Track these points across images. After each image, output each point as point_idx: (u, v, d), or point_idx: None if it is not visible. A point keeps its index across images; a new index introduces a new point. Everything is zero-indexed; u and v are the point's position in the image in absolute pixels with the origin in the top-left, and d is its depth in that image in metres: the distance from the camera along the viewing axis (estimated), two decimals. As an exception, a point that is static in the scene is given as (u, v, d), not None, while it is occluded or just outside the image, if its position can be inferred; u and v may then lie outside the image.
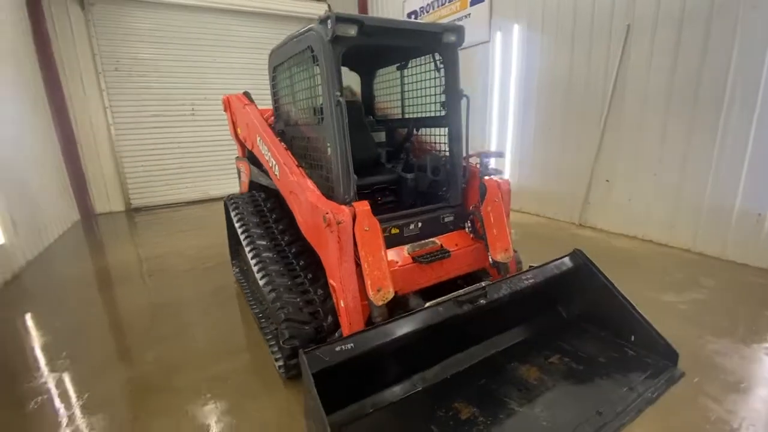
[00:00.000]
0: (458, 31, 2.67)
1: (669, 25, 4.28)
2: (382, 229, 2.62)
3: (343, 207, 2.28)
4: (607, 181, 5.17)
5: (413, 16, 7.94)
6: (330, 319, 2.46)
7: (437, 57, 2.95)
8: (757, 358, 2.58)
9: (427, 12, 7.59)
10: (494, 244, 2.77)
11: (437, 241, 2.80)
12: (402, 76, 3.51)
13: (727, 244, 4.11)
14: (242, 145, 4.13)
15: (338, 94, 2.32)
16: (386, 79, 3.76)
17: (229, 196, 3.75)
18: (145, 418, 2.32)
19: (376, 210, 3.11)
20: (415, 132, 3.51)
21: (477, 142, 7.07)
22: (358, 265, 2.29)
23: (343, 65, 3.83)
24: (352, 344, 1.94)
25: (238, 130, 4.08)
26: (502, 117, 6.55)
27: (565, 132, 5.61)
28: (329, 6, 9.01)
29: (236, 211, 3.47)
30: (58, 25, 6.91)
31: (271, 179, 3.24)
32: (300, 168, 2.76)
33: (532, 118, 6.07)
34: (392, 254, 2.59)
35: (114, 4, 7.27)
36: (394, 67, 3.56)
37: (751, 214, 3.92)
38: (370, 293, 2.22)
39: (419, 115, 3.39)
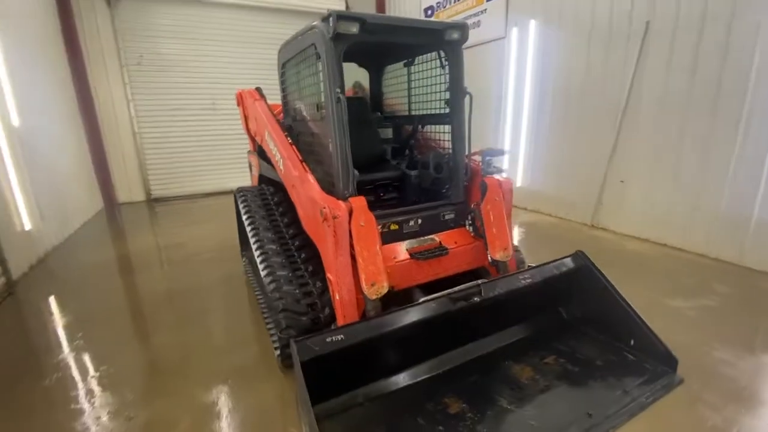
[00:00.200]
0: (462, 28, 2.66)
1: (689, 24, 4.13)
2: (382, 224, 2.67)
3: (339, 202, 2.32)
4: (622, 182, 5.04)
5: (429, 12, 7.89)
6: (327, 311, 2.51)
7: (442, 54, 2.95)
8: (764, 368, 2.50)
9: (443, 7, 7.52)
10: (493, 243, 2.77)
11: (436, 238, 2.81)
12: (409, 73, 3.52)
13: (745, 250, 3.96)
14: (253, 139, 4.23)
15: (338, 90, 2.36)
16: (394, 75, 3.77)
17: (238, 188, 3.86)
18: (150, 398, 2.44)
19: (379, 206, 3.17)
20: (420, 129, 3.52)
21: (490, 140, 7.00)
22: (354, 259, 2.34)
23: (352, 61, 3.94)
24: (342, 335, 1.99)
25: (250, 125, 4.19)
26: (517, 114, 6.46)
27: (580, 131, 5.50)
28: (347, 2, 9.05)
29: (244, 203, 3.57)
30: (86, 21, 7.19)
31: (278, 173, 3.32)
32: (303, 163, 2.82)
33: (547, 116, 5.97)
34: (390, 250, 2.62)
35: (138, 1, 7.50)
36: (401, 64, 3.57)
37: (772, 220, 3.76)
38: (365, 287, 2.27)
39: (424, 112, 3.40)
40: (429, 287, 2.68)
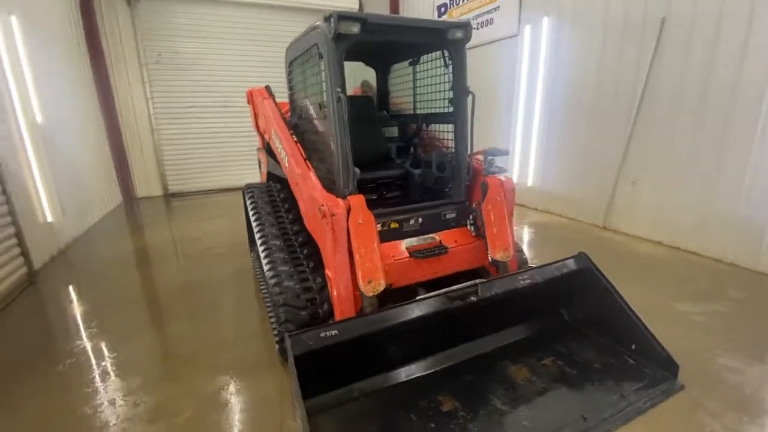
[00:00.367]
0: (465, 27, 2.65)
1: (706, 20, 4.00)
2: (382, 223, 2.70)
3: (338, 200, 2.36)
4: (634, 182, 4.93)
5: (442, 10, 7.84)
6: (326, 306, 2.56)
7: (446, 53, 2.95)
8: (771, 377, 2.43)
9: (456, 5, 7.47)
10: (494, 243, 2.76)
11: (436, 237, 2.82)
12: (414, 72, 3.53)
13: (761, 254, 3.83)
14: (262, 136, 4.31)
15: (339, 90, 2.39)
16: (400, 74, 3.79)
17: (246, 185, 3.94)
18: (157, 385, 2.54)
19: (381, 204, 3.20)
20: (425, 128, 3.53)
21: (502, 139, 6.93)
22: (352, 256, 2.37)
23: (359, 60, 3.97)
24: (336, 331, 2.03)
25: (259, 122, 4.27)
26: (528, 113, 6.37)
27: (592, 130, 5.39)
28: (360, 2, 9.07)
29: (251, 199, 3.64)
30: (107, 21, 7.43)
31: (283, 170, 3.38)
32: (307, 161, 2.87)
33: (559, 115, 5.87)
34: (389, 248, 2.65)
35: (157, 0, 7.70)
36: (407, 63, 3.58)
37: (791, 224, 3.63)
38: (361, 284, 2.30)
39: (429, 111, 3.41)
40: (432, 286, 2.69)
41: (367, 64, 3.99)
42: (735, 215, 3.99)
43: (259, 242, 3.11)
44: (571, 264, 2.79)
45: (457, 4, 7.47)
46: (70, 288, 4.17)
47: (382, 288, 2.34)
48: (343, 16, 2.29)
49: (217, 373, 2.63)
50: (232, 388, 2.49)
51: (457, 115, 2.92)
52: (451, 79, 2.93)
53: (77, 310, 3.70)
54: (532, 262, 3.86)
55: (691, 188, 4.34)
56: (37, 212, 4.60)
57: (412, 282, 2.67)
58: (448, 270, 2.79)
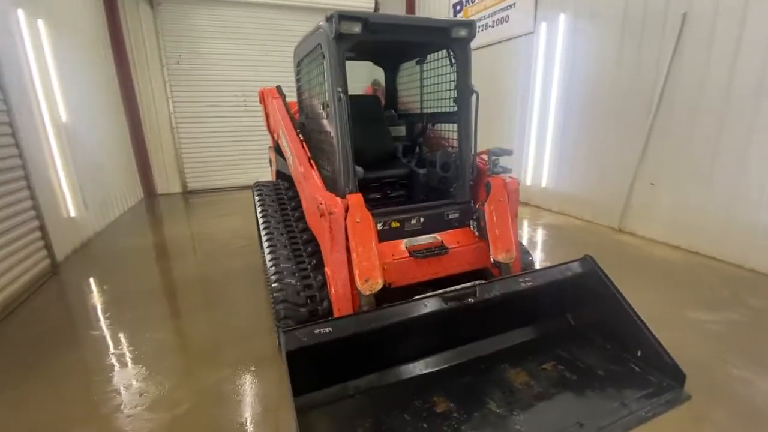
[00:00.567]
0: (469, 26, 2.62)
1: (730, 14, 3.82)
2: (382, 222, 2.70)
3: (336, 198, 2.38)
4: (652, 184, 4.76)
5: (458, 8, 7.76)
6: (325, 304, 2.58)
7: (451, 52, 2.92)
8: (787, 390, 2.31)
9: (472, 3, 7.38)
10: (496, 244, 2.72)
11: (438, 237, 2.81)
12: (421, 71, 3.51)
13: (787, 261, 3.64)
14: (272, 136, 4.38)
15: (340, 89, 2.41)
16: (408, 73, 3.78)
17: (256, 183, 4.02)
18: (163, 375, 2.63)
19: (385, 203, 3.21)
20: (431, 127, 3.51)
21: (516, 139, 6.82)
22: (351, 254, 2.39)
23: (368, 60, 3.98)
24: (330, 328, 2.04)
25: (270, 122, 4.34)
26: (543, 112, 6.24)
27: (609, 130, 5.23)
28: (376, 2, 9.07)
29: (259, 197, 3.71)
30: (130, 22, 7.69)
31: (290, 169, 3.44)
32: (310, 160, 2.91)
33: (574, 114, 5.73)
34: (389, 247, 2.65)
35: (178, 3, 7.92)
36: (414, 62, 3.56)
37: (818, 230, 3.43)
38: (358, 283, 2.31)
39: (434, 110, 3.39)
40: (436, 287, 2.68)
41: (376, 63, 4.00)
42: (757, 219, 3.81)
43: (264, 239, 3.17)
44: (577, 267, 2.73)
45: (473, 2, 7.38)
46: (90, 279, 4.36)
47: (379, 287, 2.34)
48: (344, 16, 2.30)
49: (221, 366, 2.70)
50: (235, 381, 2.55)
51: (461, 114, 2.89)
52: (456, 78, 2.89)
53: (95, 300, 3.87)
54: (543, 265, 3.79)
55: (712, 191, 4.16)
56: (60, 207, 4.81)
57: (412, 282, 2.67)
58: (449, 271, 2.77)
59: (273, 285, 2.67)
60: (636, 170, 4.90)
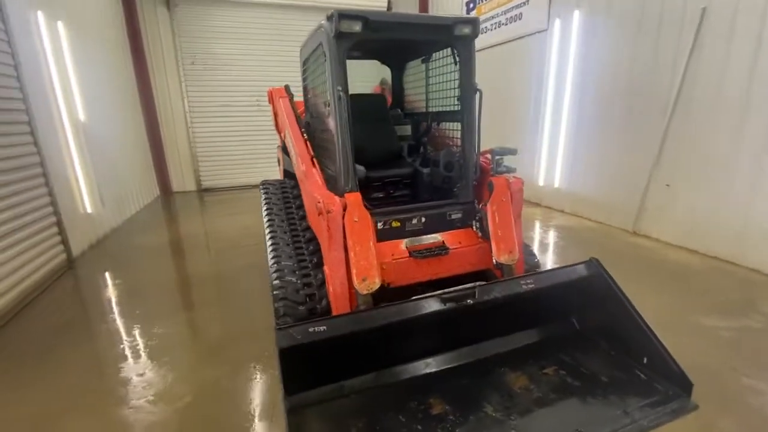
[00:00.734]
0: (472, 23, 2.58)
1: (752, 8, 3.65)
2: (383, 221, 2.69)
3: (335, 197, 2.38)
4: (668, 185, 4.60)
5: (471, 5, 7.68)
6: (324, 302, 2.59)
7: (456, 51, 2.88)
8: (803, 403, 2.20)
9: (484, 0, 7.28)
10: (498, 245, 2.68)
11: (439, 238, 2.78)
12: (427, 69, 3.48)
13: (810, 268, 3.47)
14: (280, 135, 4.42)
15: (339, 88, 2.40)
16: (414, 72, 3.75)
17: (262, 181, 4.06)
18: (168, 369, 2.69)
19: (388, 203, 3.19)
20: (435, 126, 3.48)
21: (528, 138, 6.70)
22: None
23: (374, 59, 3.97)
24: (324, 327, 2.04)
25: (278, 121, 4.38)
26: (556, 111, 6.12)
27: (623, 129, 5.09)
28: (389, 1, 9.06)
29: (265, 195, 3.76)
30: (148, 23, 7.89)
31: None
32: (313, 159, 2.92)
33: (588, 113, 5.59)
34: (389, 246, 2.64)
35: (194, 4, 8.08)
36: (419, 61, 3.54)
37: None
38: (356, 282, 2.31)
39: (439, 109, 3.35)
40: (438, 287, 2.65)
41: (383, 62, 3.98)
42: (780, 223, 3.64)
43: (267, 236, 3.20)
44: (582, 270, 2.65)
45: (486, 0, 7.29)
46: (104, 274, 4.49)
47: (376, 286, 2.33)
48: (344, 15, 2.30)
49: (226, 362, 2.75)
50: (237, 378, 2.58)
51: (465, 113, 2.84)
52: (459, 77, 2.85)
53: (108, 294, 3.99)
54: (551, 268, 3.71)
55: (731, 193, 4.00)
56: (77, 204, 4.97)
57: (412, 282, 2.65)
58: (450, 271, 2.74)
59: (273, 282, 2.70)
60: (651, 171, 4.75)
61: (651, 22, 4.58)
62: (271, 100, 4.54)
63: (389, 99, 4.18)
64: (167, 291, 4.08)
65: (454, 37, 2.63)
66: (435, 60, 3.33)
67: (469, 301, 2.31)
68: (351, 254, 2.32)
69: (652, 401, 2.15)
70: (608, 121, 5.29)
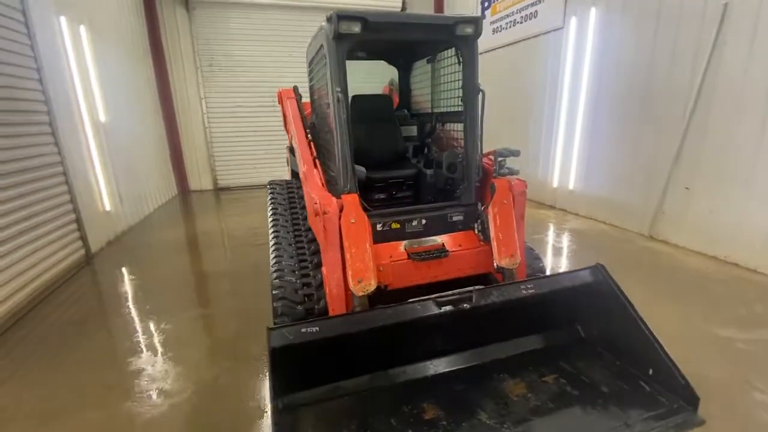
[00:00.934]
0: (475, 22, 2.53)
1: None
2: (382, 223, 2.68)
3: (332, 198, 2.38)
4: (687, 188, 4.42)
5: (486, 4, 7.57)
6: (322, 303, 2.60)
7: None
8: (822, 422, 2.07)
9: (499, -1, 7.18)
10: (499, 249, 2.62)
11: (439, 240, 2.74)
12: (432, 70, 3.45)
13: (840, 277, 3.26)
14: (289, 136, 4.47)
15: (339, 90, 2.41)
16: (420, 72, 3.73)
17: (269, 181, 4.12)
18: (172, 359, 2.76)
19: (391, 204, 3.18)
20: (440, 126, 3.44)
21: (543, 139, 6.56)
22: (346, 254, 2.38)
23: (381, 59, 3.96)
24: (317, 328, 2.04)
25: (286, 122, 4.42)
26: (572, 111, 5.96)
27: (641, 130, 4.91)
28: (404, 0, 9.03)
29: (271, 195, 3.81)
30: (168, 27, 8.11)
31: (301, 168, 3.49)
32: (315, 159, 2.93)
33: (604, 113, 5.42)
34: (388, 248, 2.62)
35: (212, 8, 8.27)
36: (425, 61, 3.51)
37: None
38: (351, 284, 2.30)
39: (443, 110, 3.32)
40: (439, 290, 2.62)
41: (389, 62, 3.97)
42: (807, 230, 3.44)
43: (270, 236, 3.24)
44: (586, 276, 2.57)
45: (501, -2, 7.18)
46: (122, 269, 4.64)
47: (372, 288, 2.32)
48: (343, 16, 2.30)
49: (227, 357, 2.80)
50: (239, 375, 2.63)
51: (468, 113, 2.80)
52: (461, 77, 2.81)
53: (123, 289, 4.13)
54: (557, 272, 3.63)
55: (753, 197, 3.80)
56: (96, 202, 5.15)
57: (410, 284, 2.62)
58: (450, 274, 2.70)
59: (273, 282, 2.72)
60: (669, 173, 4.56)
61: (670, 19, 4.41)
62: (281, 101, 4.58)
63: (396, 99, 4.16)
64: (179, 287, 4.18)
65: (456, 37, 2.60)
66: (440, 60, 3.29)
67: (465, 305, 2.27)
68: (347, 255, 2.32)
69: (655, 414, 2.07)
70: (625, 122, 5.12)
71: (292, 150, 4.21)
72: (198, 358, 2.86)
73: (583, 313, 2.72)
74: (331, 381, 2.25)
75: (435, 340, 2.47)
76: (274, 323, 2.59)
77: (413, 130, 3.88)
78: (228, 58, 8.60)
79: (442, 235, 2.80)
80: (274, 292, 2.63)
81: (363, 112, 3.49)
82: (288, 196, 3.75)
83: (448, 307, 2.24)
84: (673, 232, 4.63)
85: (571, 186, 6.16)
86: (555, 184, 6.47)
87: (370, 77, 5.70)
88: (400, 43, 3.07)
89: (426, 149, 3.49)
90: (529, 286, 2.43)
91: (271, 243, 3.13)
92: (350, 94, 3.57)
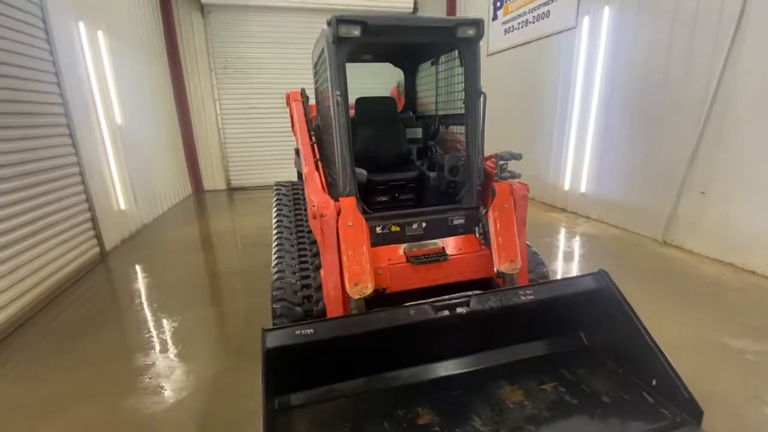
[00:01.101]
0: (476, 24, 2.51)
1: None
2: (382, 225, 2.68)
3: (330, 200, 2.39)
4: (702, 193, 4.27)
5: (498, 4, 7.49)
6: (320, 305, 2.61)
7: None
8: (836, 441, 1.97)
9: (511, -1, 7.08)
10: (499, 253, 2.59)
11: (439, 243, 2.73)
12: (436, 72, 3.43)
13: None
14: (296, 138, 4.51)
15: (338, 93, 2.42)
16: (425, 74, 3.72)
17: (276, 182, 4.17)
18: (177, 356, 2.82)
19: (393, 206, 3.18)
20: (444, 129, 3.42)
21: (554, 141, 6.45)
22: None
23: (387, 61, 3.96)
24: (312, 330, 2.06)
25: (293, 124, 4.47)
26: (584, 112, 5.84)
27: (655, 133, 4.77)
28: (416, 1, 9.00)
29: (276, 196, 3.85)
30: (184, 30, 8.30)
31: (305, 170, 3.52)
32: (318, 162, 2.95)
33: (618, 115, 5.29)
34: (386, 251, 2.62)
35: (226, 11, 8.42)
36: (429, 63, 3.50)
37: None
38: (348, 286, 2.31)
39: (446, 112, 3.30)
40: (440, 294, 2.61)
41: (395, 65, 3.97)
42: (830, 237, 3.28)
43: (273, 237, 3.28)
44: (589, 282, 2.52)
45: (513, -2, 7.09)
46: (134, 267, 4.78)
47: (369, 291, 2.32)
48: (342, 20, 2.31)
49: (233, 355, 2.87)
50: (241, 373, 2.68)
51: (469, 116, 2.77)
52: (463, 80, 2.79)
53: (136, 286, 4.26)
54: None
55: (773, 202, 3.65)
56: (111, 201, 5.31)
57: (409, 288, 2.61)
58: (449, 278, 2.68)
59: (273, 283, 2.75)
60: (684, 177, 4.42)
61: (686, 19, 4.27)
62: (288, 103, 4.63)
63: (403, 101, 4.16)
64: (191, 285, 4.26)
65: (457, 40, 2.58)
66: (444, 62, 3.28)
67: (461, 310, 2.25)
68: (344, 258, 2.32)
69: (657, 427, 2.00)
70: (639, 123, 4.99)
71: (298, 152, 4.25)
72: (205, 355, 2.92)
73: (586, 320, 2.66)
74: (326, 383, 2.26)
75: (432, 345, 2.46)
76: (273, 324, 2.62)
77: (419, 133, 3.86)
78: (242, 60, 8.74)
79: (443, 239, 2.78)
80: (273, 293, 2.66)
81: (367, 114, 3.51)
82: (293, 197, 3.79)
83: (444, 312, 2.23)
84: (687, 237, 4.49)
85: (582, 189, 6.03)
86: (566, 187, 6.35)
87: (378, 79, 5.71)
88: (403, 45, 3.06)
89: (429, 151, 3.47)
90: (528, 291, 2.39)
91: (274, 244, 3.16)
92: (357, 96, 3.61)
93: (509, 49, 7.32)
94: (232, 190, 9.58)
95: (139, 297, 3.94)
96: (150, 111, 7.12)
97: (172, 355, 2.91)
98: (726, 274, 3.89)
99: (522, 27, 6.91)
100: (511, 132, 7.41)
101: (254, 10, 8.50)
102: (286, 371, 2.05)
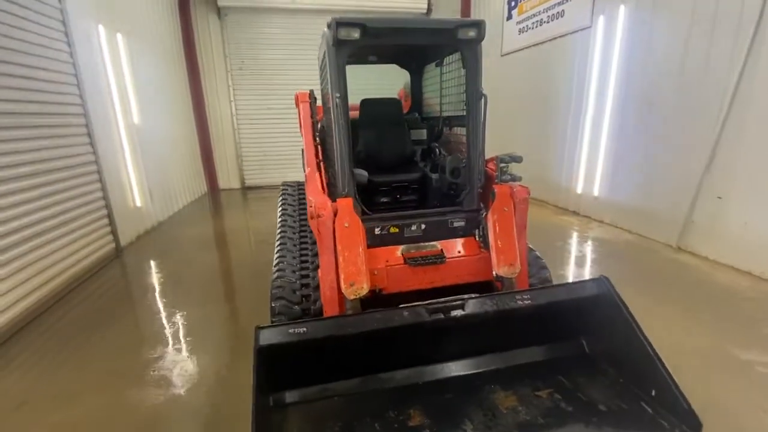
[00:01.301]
0: (477, 26, 2.49)
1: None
2: (381, 227, 2.69)
3: (327, 201, 2.42)
4: (719, 198, 4.12)
5: (513, 4, 7.39)
6: (318, 304, 2.64)
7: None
8: None
9: (525, -2, 6.99)
10: (498, 257, 2.57)
11: (437, 245, 2.72)
12: (440, 74, 3.42)
13: None
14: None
15: (338, 95, 2.44)
16: (431, 76, 3.71)
17: (282, 182, 4.23)
18: (184, 350, 2.90)
19: (395, 208, 3.18)
20: (448, 130, 3.41)
21: (568, 143, 6.33)
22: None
23: (392, 63, 3.97)
24: (305, 329, 2.08)
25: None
26: (598, 114, 5.71)
27: (671, 135, 4.63)
28: (429, 2, 8.96)
29: (282, 196, 3.92)
30: (201, 32, 8.50)
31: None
32: (320, 162, 2.99)
33: (633, 116, 5.15)
34: (384, 252, 2.63)
35: (243, 13, 8.58)
36: (434, 65, 3.49)
37: None
38: (343, 287, 2.33)
39: (450, 114, 3.29)
40: (438, 296, 2.61)
41: (401, 66, 3.97)
42: None
43: (277, 236, 3.33)
44: (590, 288, 2.47)
45: (527, -2, 6.99)
46: (148, 263, 4.93)
47: (364, 292, 2.34)
48: (341, 23, 2.34)
49: (236, 350, 2.93)
50: (243, 368, 2.71)
51: (470, 118, 2.76)
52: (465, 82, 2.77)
53: (149, 281, 4.40)
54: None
55: (794, 209, 3.50)
56: (127, 199, 5.49)
57: (406, 289, 2.62)
58: (447, 280, 2.67)
59: (273, 281, 2.80)
60: (700, 181, 4.27)
61: (704, 18, 4.13)
62: (297, 104, 4.69)
63: (409, 102, 4.16)
64: (203, 281, 4.36)
65: (458, 41, 2.57)
66: (448, 64, 3.26)
67: (456, 313, 2.24)
68: (340, 259, 2.35)
69: (653, 438, 1.95)
70: (654, 126, 4.85)
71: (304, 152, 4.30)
72: (214, 350, 2.99)
73: (588, 327, 2.60)
74: (319, 382, 2.29)
75: (427, 347, 2.45)
76: (272, 322, 2.67)
77: (424, 134, 3.85)
78: (257, 61, 8.90)
79: (442, 241, 2.77)
80: (273, 291, 2.70)
81: (371, 116, 3.53)
82: (299, 197, 3.84)
83: (439, 315, 2.23)
84: (703, 243, 4.34)
85: (595, 192, 5.90)
86: (579, 190, 6.22)
87: (385, 80, 5.70)
88: (406, 47, 3.07)
89: (432, 153, 3.47)
90: (525, 296, 2.36)
91: (277, 243, 3.21)
92: (364, 97, 3.63)
93: (523, 49, 7.22)
94: (246, 189, 9.75)
95: (153, 292, 4.06)
96: (167, 111, 7.32)
97: (182, 349, 2.99)
98: (742, 283, 3.74)
99: (536, 27, 6.81)
100: (524, 133, 7.31)
101: (270, 12, 8.64)
102: (281, 369, 2.08)
